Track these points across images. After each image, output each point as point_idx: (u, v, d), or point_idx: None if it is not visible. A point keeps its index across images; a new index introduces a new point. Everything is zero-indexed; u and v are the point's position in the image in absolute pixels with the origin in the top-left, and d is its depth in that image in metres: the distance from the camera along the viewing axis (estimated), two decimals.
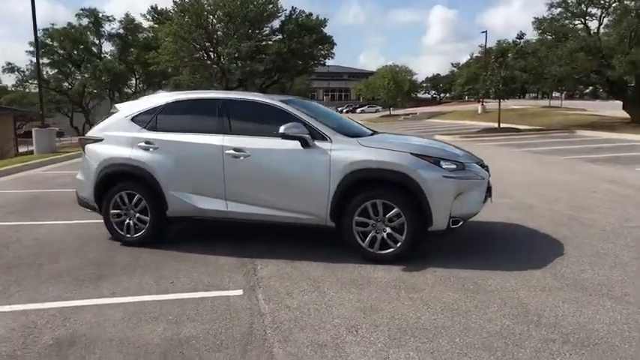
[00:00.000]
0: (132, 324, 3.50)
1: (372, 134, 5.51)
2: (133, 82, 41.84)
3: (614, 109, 36.70)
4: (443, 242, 5.20)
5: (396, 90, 52.82)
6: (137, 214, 5.40)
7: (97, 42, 39.77)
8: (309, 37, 26.55)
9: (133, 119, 5.54)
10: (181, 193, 5.21)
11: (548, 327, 3.32)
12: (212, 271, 4.59)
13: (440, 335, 3.24)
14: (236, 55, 24.33)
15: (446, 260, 4.69)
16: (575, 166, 11.33)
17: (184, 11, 24.96)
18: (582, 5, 25.31)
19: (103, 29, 38.97)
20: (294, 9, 32.18)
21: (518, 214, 6.58)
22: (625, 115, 26.65)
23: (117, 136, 5.54)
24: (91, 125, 14.89)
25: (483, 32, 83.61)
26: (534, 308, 3.63)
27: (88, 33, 38.81)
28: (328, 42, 28.62)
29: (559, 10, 25.99)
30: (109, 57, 38.89)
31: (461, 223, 4.71)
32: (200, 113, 5.42)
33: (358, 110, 72.66)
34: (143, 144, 5.33)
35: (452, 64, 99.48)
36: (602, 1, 25.44)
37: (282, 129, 4.76)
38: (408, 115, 49.82)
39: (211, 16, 24.75)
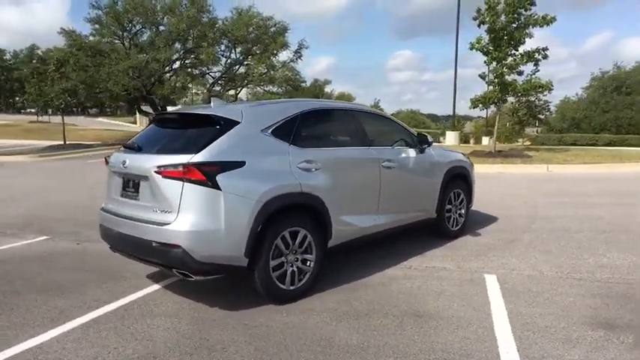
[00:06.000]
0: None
1: None
2: None
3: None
4: None
5: None
6: (301, 256, 4.22)
7: None
8: None
9: (273, 133, 4.14)
10: (347, 217, 4.61)
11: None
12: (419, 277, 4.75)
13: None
14: None
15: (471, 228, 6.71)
16: None
17: None
18: (116, 27, 27.11)
19: None
20: None
21: None
22: None
23: (266, 157, 4.01)
24: None
25: None
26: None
27: None
28: None
29: (96, 26, 26.85)
30: None
31: None
32: (339, 125, 4.86)
33: None
34: (304, 164, 4.23)
35: None
36: (127, 26, 28.26)
37: (429, 138, 5.36)
38: None
39: None
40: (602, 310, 3.87)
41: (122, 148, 4.45)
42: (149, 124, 4.74)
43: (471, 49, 15.42)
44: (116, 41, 27.49)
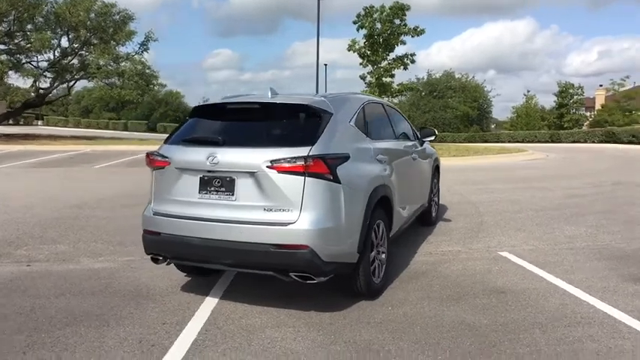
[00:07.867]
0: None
1: None
2: None
3: None
4: None
5: None
6: (381, 249, 4.19)
7: None
8: None
9: (356, 124, 4.01)
10: (399, 207, 4.70)
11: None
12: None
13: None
14: None
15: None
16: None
17: None
18: None
19: None
20: None
21: None
22: None
23: (360, 149, 3.90)
24: None
25: None
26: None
27: None
28: None
29: None
30: None
31: None
32: (382, 117, 4.85)
33: None
34: (381, 156, 4.21)
35: None
36: None
37: (436, 131, 5.69)
38: None
39: None
40: (619, 270, 4.71)
41: (182, 143, 3.77)
42: (193, 115, 4.11)
43: (349, 50, 16.47)
44: None
